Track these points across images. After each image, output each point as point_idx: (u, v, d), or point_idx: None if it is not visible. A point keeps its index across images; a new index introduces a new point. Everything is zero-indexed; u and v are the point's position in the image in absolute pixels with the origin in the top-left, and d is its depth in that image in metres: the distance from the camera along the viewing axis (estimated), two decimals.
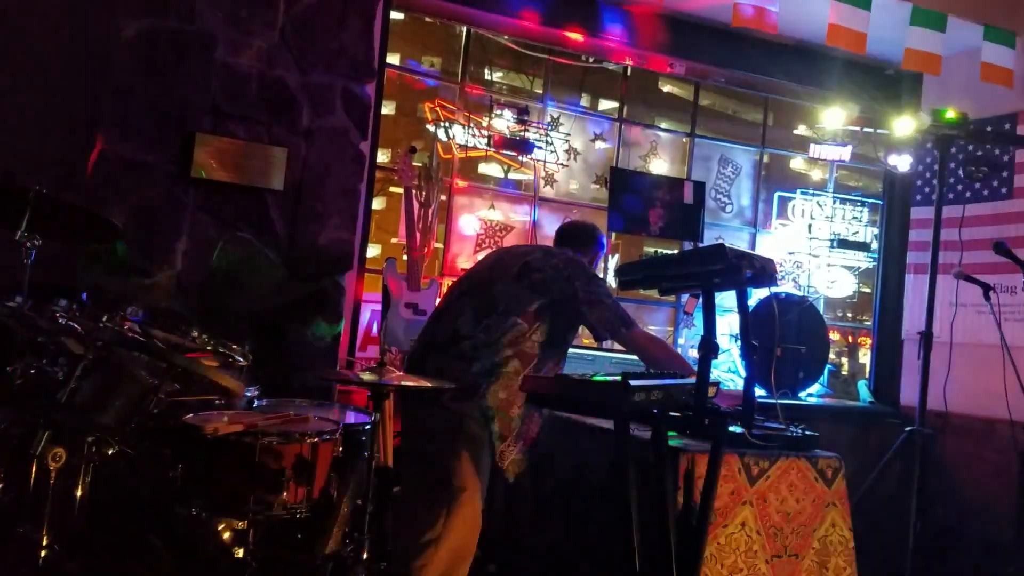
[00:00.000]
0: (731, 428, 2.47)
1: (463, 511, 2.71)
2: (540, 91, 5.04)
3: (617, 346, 3.29)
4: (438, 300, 4.17)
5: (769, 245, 5.42)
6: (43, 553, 2.25)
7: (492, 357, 2.77)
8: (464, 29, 4.70)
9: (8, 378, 2.43)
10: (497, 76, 5.52)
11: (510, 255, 3.07)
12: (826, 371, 5.31)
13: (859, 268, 5.49)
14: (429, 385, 2.55)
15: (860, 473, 4.03)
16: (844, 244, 5.37)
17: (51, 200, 2.54)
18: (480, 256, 4.75)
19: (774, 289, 2.82)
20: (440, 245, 4.75)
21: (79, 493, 2.36)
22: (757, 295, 4.58)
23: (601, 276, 3.20)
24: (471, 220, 4.81)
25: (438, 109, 4.62)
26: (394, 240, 4.92)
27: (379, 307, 4.17)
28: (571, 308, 2.84)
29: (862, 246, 5.42)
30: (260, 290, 3.72)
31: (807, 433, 2.83)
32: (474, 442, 2.76)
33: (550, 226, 4.95)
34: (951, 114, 4.13)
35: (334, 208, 3.88)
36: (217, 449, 2.32)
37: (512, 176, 5.12)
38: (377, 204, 5.22)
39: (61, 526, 2.30)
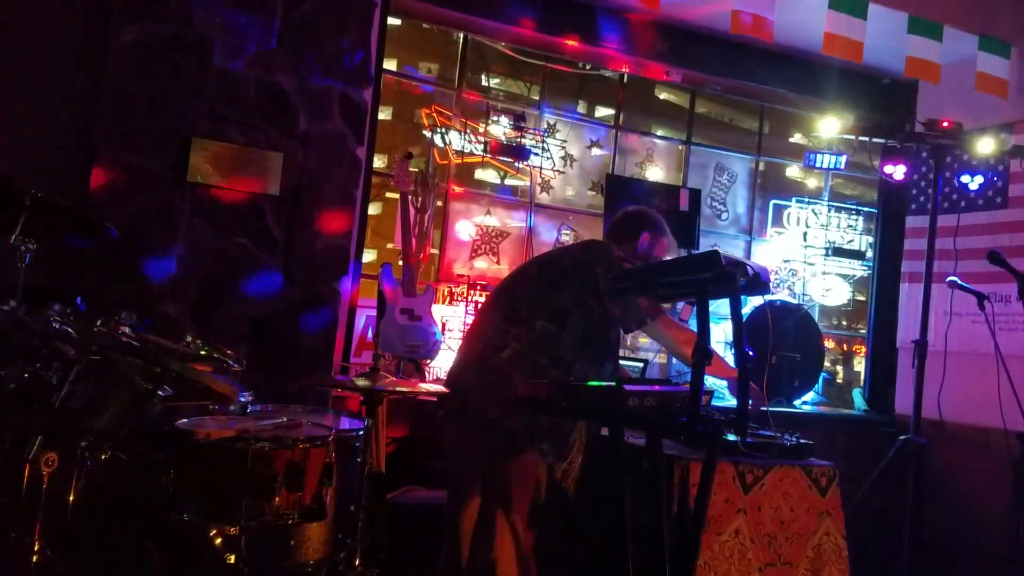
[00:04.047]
0: (726, 436, 2.47)
1: (504, 525, 2.63)
2: (537, 98, 5.05)
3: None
4: (432, 306, 4.18)
5: (764, 253, 5.43)
6: (35, 558, 2.24)
7: (528, 367, 2.58)
8: (461, 36, 4.71)
9: (1, 382, 2.42)
10: (494, 83, 5.52)
11: (533, 259, 2.96)
12: (821, 379, 5.31)
13: (854, 276, 5.49)
14: (425, 389, 2.54)
15: (854, 481, 4.03)
16: (839, 252, 5.38)
17: (46, 204, 2.54)
18: (477, 262, 4.77)
19: (769, 297, 2.81)
20: (436, 251, 4.75)
21: (72, 498, 2.34)
22: (752, 303, 4.58)
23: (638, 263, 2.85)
24: (467, 226, 4.81)
25: (435, 115, 4.63)
26: (390, 245, 4.92)
27: (374, 312, 4.17)
28: (598, 299, 2.61)
29: (857, 254, 5.43)
30: (256, 295, 3.72)
31: (801, 441, 2.84)
32: (522, 459, 2.63)
33: (546, 232, 4.96)
34: (946, 124, 4.15)
35: (330, 213, 3.88)
36: (210, 454, 2.32)
37: (508, 182, 5.13)
38: (373, 209, 5.23)
39: (53, 531, 2.29)
